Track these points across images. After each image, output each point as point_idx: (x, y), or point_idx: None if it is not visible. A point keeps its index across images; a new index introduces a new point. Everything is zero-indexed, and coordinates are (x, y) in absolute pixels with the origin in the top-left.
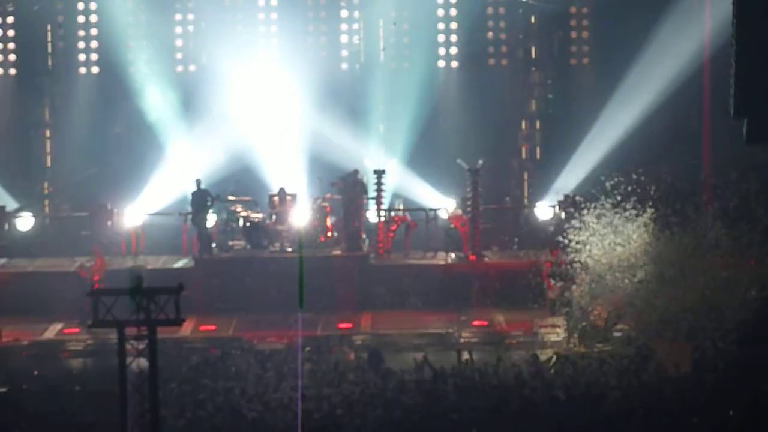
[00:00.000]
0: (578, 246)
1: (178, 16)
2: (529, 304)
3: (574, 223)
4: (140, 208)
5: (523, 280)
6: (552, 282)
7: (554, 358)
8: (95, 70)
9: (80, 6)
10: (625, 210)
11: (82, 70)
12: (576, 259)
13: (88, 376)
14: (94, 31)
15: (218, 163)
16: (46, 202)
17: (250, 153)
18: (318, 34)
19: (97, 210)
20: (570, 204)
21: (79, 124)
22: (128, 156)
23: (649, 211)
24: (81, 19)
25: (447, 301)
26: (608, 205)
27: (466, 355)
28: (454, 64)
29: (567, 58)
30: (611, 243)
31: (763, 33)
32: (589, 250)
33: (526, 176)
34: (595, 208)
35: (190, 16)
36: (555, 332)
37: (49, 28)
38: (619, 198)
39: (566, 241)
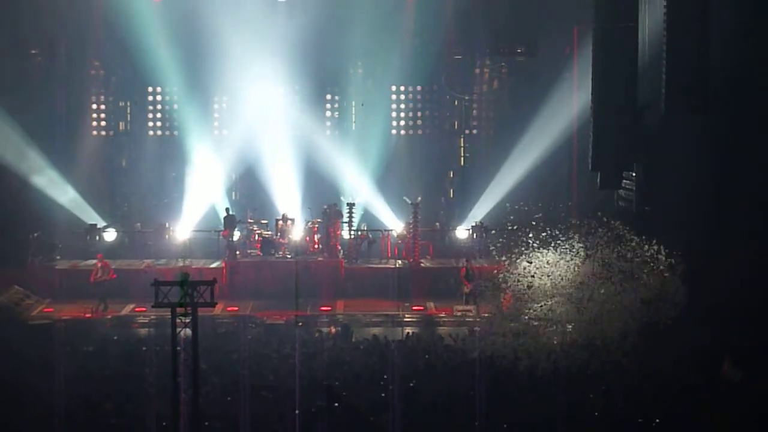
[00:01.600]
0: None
1: (216, 101)
2: (451, 296)
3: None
4: (188, 226)
5: (447, 279)
6: (466, 281)
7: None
8: (159, 133)
9: (149, 89)
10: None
11: (150, 133)
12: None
13: (151, 340)
14: (159, 107)
15: (243, 202)
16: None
17: (263, 189)
18: (311, 110)
19: (158, 227)
20: (480, 228)
21: (147, 169)
22: (181, 190)
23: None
24: (150, 98)
25: (396, 292)
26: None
27: (407, 330)
28: (402, 132)
29: (479, 129)
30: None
31: (610, 115)
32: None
33: (450, 208)
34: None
35: (224, 98)
36: (468, 315)
37: (128, 103)
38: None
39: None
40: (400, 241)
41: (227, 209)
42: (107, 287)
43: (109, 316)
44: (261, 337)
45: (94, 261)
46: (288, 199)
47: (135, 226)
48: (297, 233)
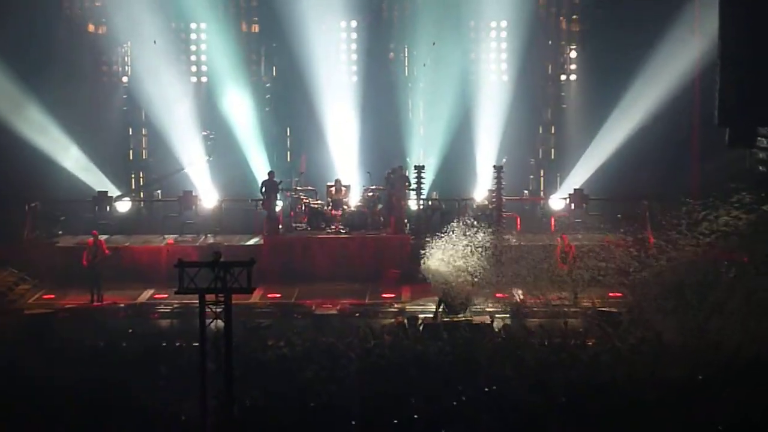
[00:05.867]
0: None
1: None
2: (543, 280)
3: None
4: (219, 194)
5: (539, 260)
6: (561, 262)
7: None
8: (193, 79)
9: (172, 25)
10: None
11: (173, 79)
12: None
13: (174, 333)
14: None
15: (287, 165)
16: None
17: (311, 149)
18: (374, 53)
19: (183, 196)
20: (579, 197)
21: (171, 124)
22: (211, 150)
23: None
24: (174, 37)
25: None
26: None
27: (489, 320)
28: (483, 77)
29: (577, 75)
30: None
31: (742, 56)
32: None
33: (542, 173)
34: None
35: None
36: (564, 303)
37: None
38: None
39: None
40: (480, 213)
41: (270, 173)
42: (101, 270)
43: (122, 305)
44: (308, 331)
45: (87, 238)
46: (343, 160)
47: (154, 195)
48: (353, 203)
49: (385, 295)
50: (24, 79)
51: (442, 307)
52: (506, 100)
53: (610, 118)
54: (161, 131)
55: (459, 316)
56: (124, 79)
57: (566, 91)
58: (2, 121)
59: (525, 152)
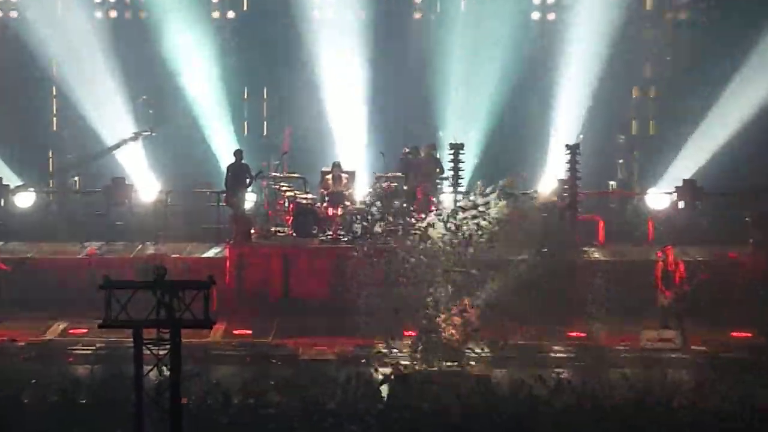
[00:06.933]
0: None
1: None
2: (636, 312)
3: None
4: (162, 184)
5: (631, 282)
6: (663, 285)
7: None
8: (113, 14)
9: None
10: None
11: (98, 14)
12: None
13: (98, 386)
14: None
15: (263, 142)
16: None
17: (297, 119)
18: None
19: (111, 185)
20: (690, 192)
21: (94, 87)
22: (156, 125)
23: None
24: None
25: (536, 305)
26: None
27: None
28: (551, 16)
29: (689, 12)
30: None
31: None
32: None
33: (635, 155)
34: None
35: None
36: (666, 347)
37: None
38: None
39: None
40: (545, 214)
41: (237, 152)
42: None
43: (23, 343)
44: (293, 385)
45: None
46: (344, 136)
47: (69, 183)
48: (359, 197)
49: (405, 333)
50: None
51: (419, 347)
52: (587, 46)
53: (736, 79)
54: (79, 94)
55: (451, 364)
56: (12, 13)
57: (675, 39)
58: None
59: (610, 126)
